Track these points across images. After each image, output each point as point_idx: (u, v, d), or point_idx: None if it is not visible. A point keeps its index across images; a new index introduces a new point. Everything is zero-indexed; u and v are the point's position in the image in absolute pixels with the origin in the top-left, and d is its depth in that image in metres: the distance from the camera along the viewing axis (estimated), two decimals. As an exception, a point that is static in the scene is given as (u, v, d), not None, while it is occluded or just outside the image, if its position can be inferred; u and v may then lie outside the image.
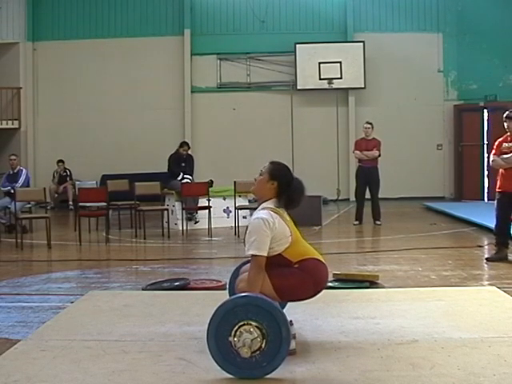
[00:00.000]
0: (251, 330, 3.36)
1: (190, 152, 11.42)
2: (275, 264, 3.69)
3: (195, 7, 16.12)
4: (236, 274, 4.16)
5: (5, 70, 15.84)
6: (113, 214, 10.91)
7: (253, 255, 3.62)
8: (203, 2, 16.14)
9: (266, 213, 3.70)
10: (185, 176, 10.80)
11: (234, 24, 16.16)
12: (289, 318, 3.94)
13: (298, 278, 3.67)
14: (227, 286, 4.34)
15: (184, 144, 11.23)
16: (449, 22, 15.95)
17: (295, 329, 3.92)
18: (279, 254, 3.69)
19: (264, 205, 3.80)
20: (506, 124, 7.07)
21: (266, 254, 3.63)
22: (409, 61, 15.72)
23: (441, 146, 16.02)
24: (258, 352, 3.36)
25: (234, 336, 3.36)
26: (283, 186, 3.79)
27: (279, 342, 3.36)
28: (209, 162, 15.17)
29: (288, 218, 3.84)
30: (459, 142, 15.67)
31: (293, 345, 3.68)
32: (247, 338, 3.34)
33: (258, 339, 3.35)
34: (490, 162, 7.31)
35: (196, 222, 10.59)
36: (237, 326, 3.37)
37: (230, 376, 3.36)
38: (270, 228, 3.64)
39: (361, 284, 5.61)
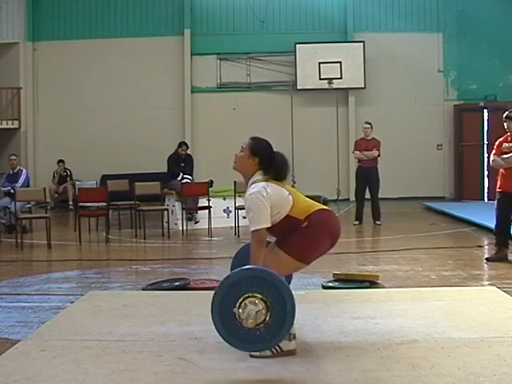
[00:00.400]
0: (256, 302, 3.37)
1: (189, 152, 11.43)
2: (286, 229, 3.72)
3: (195, 7, 16.12)
4: (238, 258, 4.17)
5: (5, 70, 15.84)
6: (113, 214, 10.91)
7: (253, 231, 3.65)
8: (203, 2, 16.14)
9: (256, 186, 3.73)
10: (184, 176, 10.80)
11: (234, 24, 16.16)
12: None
13: (311, 236, 3.70)
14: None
15: (182, 144, 11.22)
16: (449, 22, 15.95)
17: (295, 328, 3.92)
18: (287, 216, 3.71)
19: (252, 180, 3.82)
20: (505, 124, 7.07)
21: (267, 225, 3.65)
22: (409, 61, 15.72)
23: (441, 146, 16.02)
24: (262, 325, 3.36)
25: (239, 308, 3.36)
26: (265, 162, 3.82)
27: (284, 316, 3.36)
28: (209, 161, 15.17)
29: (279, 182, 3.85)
30: (459, 142, 15.67)
31: (293, 345, 3.68)
32: (252, 309, 3.35)
33: (263, 311, 3.35)
34: (491, 161, 7.31)
35: (196, 222, 10.59)
36: (241, 298, 3.38)
37: (230, 376, 3.35)
38: (266, 198, 3.66)
39: (361, 284, 5.61)
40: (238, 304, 3.38)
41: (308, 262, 3.78)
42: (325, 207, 3.86)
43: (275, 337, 3.37)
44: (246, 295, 3.39)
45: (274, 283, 3.39)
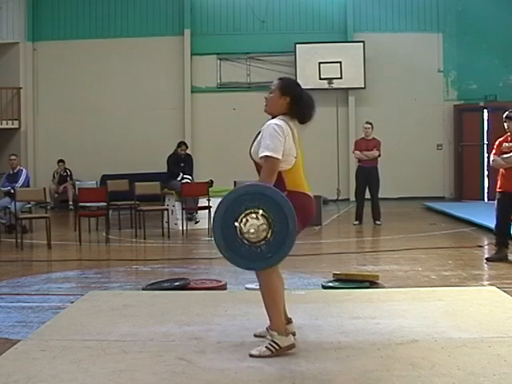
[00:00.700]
0: (258, 217, 3.35)
1: (189, 152, 11.42)
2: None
3: (195, 7, 16.12)
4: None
5: (5, 70, 15.84)
6: (113, 214, 10.91)
7: (267, 156, 3.57)
8: (203, 2, 16.14)
9: (279, 121, 3.69)
10: (184, 176, 10.81)
11: (234, 24, 16.16)
12: (289, 316, 3.96)
13: None
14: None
15: (182, 144, 11.22)
16: (449, 22, 15.95)
17: (294, 326, 3.92)
18: (279, 173, 3.65)
19: (276, 118, 3.77)
20: (506, 124, 7.07)
21: (280, 158, 3.59)
22: (409, 61, 15.72)
23: (441, 146, 16.02)
24: (263, 242, 3.35)
25: (241, 222, 3.35)
26: (295, 100, 3.79)
27: (285, 234, 3.34)
28: (209, 162, 15.17)
29: (297, 137, 3.81)
30: (459, 142, 15.67)
31: (290, 339, 3.68)
32: (254, 223, 3.33)
33: (265, 227, 3.34)
34: (491, 161, 7.31)
35: (196, 222, 10.59)
36: (243, 214, 3.36)
37: (230, 376, 3.35)
38: (284, 134, 3.64)
39: (361, 284, 5.60)
40: (239, 219, 3.36)
41: None
42: (309, 193, 3.80)
43: (276, 255, 3.33)
44: (248, 211, 3.36)
45: (277, 201, 3.36)
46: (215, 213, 3.44)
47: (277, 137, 3.62)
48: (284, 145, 3.63)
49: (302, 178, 3.82)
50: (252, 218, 3.36)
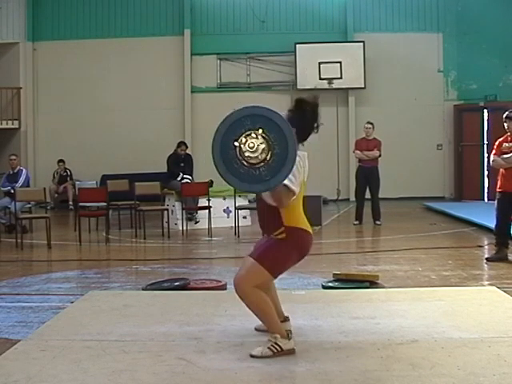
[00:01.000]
0: (258, 137, 3.32)
1: (189, 151, 11.42)
2: (267, 215, 3.69)
3: (195, 7, 16.12)
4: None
5: (5, 70, 15.85)
6: (113, 214, 10.91)
7: (288, 187, 3.49)
8: (203, 2, 16.14)
9: (300, 152, 3.62)
10: (184, 176, 10.80)
11: (234, 24, 16.17)
12: (285, 315, 3.96)
13: (284, 251, 3.65)
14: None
15: (181, 144, 11.22)
16: (449, 22, 15.96)
17: (291, 325, 3.92)
18: (277, 211, 3.63)
19: None
20: (506, 124, 7.06)
21: (297, 191, 3.55)
22: (409, 61, 15.72)
23: (441, 146, 16.02)
24: (262, 164, 3.31)
25: (240, 142, 3.33)
26: (302, 129, 3.71)
27: (284, 157, 3.30)
28: (209, 162, 14.68)
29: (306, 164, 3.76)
30: (459, 142, 15.67)
31: (292, 344, 3.69)
32: (253, 143, 3.30)
33: (264, 147, 3.31)
34: (491, 162, 7.31)
35: (196, 222, 10.59)
36: (244, 135, 3.34)
37: (230, 376, 3.35)
38: (301, 166, 3.60)
39: (361, 284, 5.60)
40: (239, 139, 3.34)
41: (275, 275, 3.72)
42: (308, 228, 3.76)
43: (274, 178, 3.29)
44: (249, 132, 3.34)
45: (278, 123, 3.34)
46: (215, 133, 3.41)
47: (299, 169, 3.57)
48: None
49: (301, 213, 3.77)
50: (252, 137, 3.33)
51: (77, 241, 9.11)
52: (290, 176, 3.46)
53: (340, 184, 15.89)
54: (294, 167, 3.42)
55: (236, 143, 3.33)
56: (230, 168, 3.34)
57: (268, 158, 3.31)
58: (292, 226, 3.67)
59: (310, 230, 3.79)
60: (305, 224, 3.76)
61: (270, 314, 3.68)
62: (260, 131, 3.33)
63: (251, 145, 3.31)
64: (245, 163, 3.32)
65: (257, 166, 3.32)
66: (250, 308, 3.70)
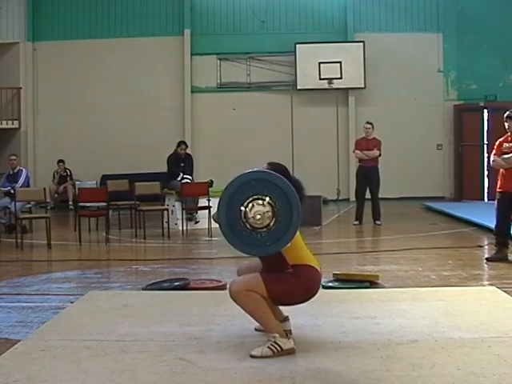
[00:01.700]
0: (264, 204, 3.40)
1: (189, 151, 11.41)
2: (272, 265, 3.69)
3: (195, 7, 16.12)
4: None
5: (5, 70, 15.84)
6: (113, 214, 10.91)
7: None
8: (203, 2, 16.14)
9: None
10: (184, 176, 10.80)
11: (234, 24, 16.16)
12: (285, 314, 3.96)
13: (290, 284, 3.66)
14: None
15: (181, 143, 11.21)
16: (449, 22, 15.95)
17: (291, 325, 3.92)
18: (279, 252, 3.65)
19: None
20: (506, 124, 7.06)
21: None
22: (409, 61, 15.71)
23: (441, 146, 16.02)
24: (264, 229, 3.40)
25: (246, 207, 3.40)
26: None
27: (288, 224, 3.39)
28: (209, 162, 15.17)
29: None
30: (459, 142, 15.67)
31: (291, 343, 3.69)
32: (259, 210, 3.39)
33: (269, 214, 3.39)
34: (491, 162, 7.31)
35: (196, 222, 10.58)
36: (250, 199, 3.41)
37: (230, 376, 3.35)
38: None
39: (361, 284, 5.60)
40: (245, 203, 3.41)
41: (275, 303, 3.74)
42: (315, 265, 3.76)
43: (275, 244, 3.38)
44: (256, 196, 3.42)
45: (284, 190, 3.42)
46: (223, 192, 3.48)
47: None
48: None
49: (304, 249, 3.79)
50: (258, 204, 3.41)
51: (77, 241, 9.11)
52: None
53: (340, 184, 15.88)
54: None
55: (242, 208, 3.41)
56: (233, 228, 3.43)
57: (271, 224, 3.40)
58: (298, 263, 3.69)
59: (318, 266, 3.78)
60: (311, 260, 3.77)
61: (266, 313, 3.67)
62: (267, 199, 3.41)
63: (257, 211, 3.39)
64: (248, 226, 3.39)
65: (259, 230, 3.39)
66: (244, 310, 3.71)
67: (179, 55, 16.01)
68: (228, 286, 3.76)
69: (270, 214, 3.39)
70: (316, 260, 3.83)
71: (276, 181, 3.45)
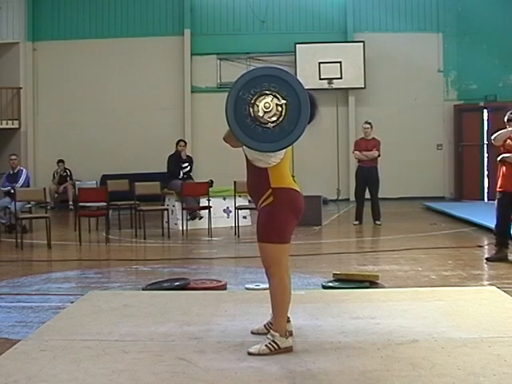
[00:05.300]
0: (274, 100, 3.41)
1: (189, 153, 11.39)
2: (254, 180, 3.78)
3: (195, 7, 16.12)
4: None
5: (5, 70, 15.84)
6: (113, 214, 10.92)
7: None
8: (203, 2, 16.15)
9: None
10: (185, 177, 10.81)
11: (234, 24, 16.17)
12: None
13: (279, 218, 3.69)
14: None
15: (180, 141, 11.17)
16: (449, 22, 15.96)
17: (292, 326, 3.92)
18: (265, 169, 3.70)
19: None
20: (508, 127, 7.03)
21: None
22: (409, 61, 15.72)
23: (441, 146, 16.02)
24: (274, 124, 3.41)
25: (256, 99, 3.41)
26: None
27: (294, 124, 3.41)
28: (209, 161, 15.17)
29: None
30: (459, 142, 15.68)
31: (289, 342, 3.70)
32: (269, 103, 3.39)
33: (279, 110, 3.39)
34: (492, 138, 7.20)
35: (200, 218, 10.54)
36: (259, 93, 3.42)
37: (230, 376, 3.35)
38: None
39: (361, 284, 5.60)
40: (255, 96, 3.41)
41: (288, 241, 3.78)
42: (295, 187, 3.81)
43: (277, 143, 3.40)
44: (265, 90, 3.42)
45: (295, 89, 3.42)
46: (232, 87, 3.47)
47: None
48: None
49: (288, 175, 3.83)
50: (268, 97, 3.41)
51: (77, 241, 9.11)
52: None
53: (340, 184, 15.89)
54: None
55: (251, 97, 3.40)
56: (240, 122, 3.40)
57: (281, 119, 3.39)
58: (279, 186, 3.72)
59: (298, 189, 3.83)
60: (292, 184, 3.81)
61: (285, 307, 3.75)
62: (276, 93, 3.41)
63: (267, 105, 3.40)
64: (257, 120, 3.39)
65: (269, 125, 3.39)
66: (271, 291, 3.73)
67: (179, 55, 16.02)
68: (263, 265, 3.78)
69: (279, 109, 3.38)
70: (298, 185, 3.86)
71: (287, 78, 3.44)
